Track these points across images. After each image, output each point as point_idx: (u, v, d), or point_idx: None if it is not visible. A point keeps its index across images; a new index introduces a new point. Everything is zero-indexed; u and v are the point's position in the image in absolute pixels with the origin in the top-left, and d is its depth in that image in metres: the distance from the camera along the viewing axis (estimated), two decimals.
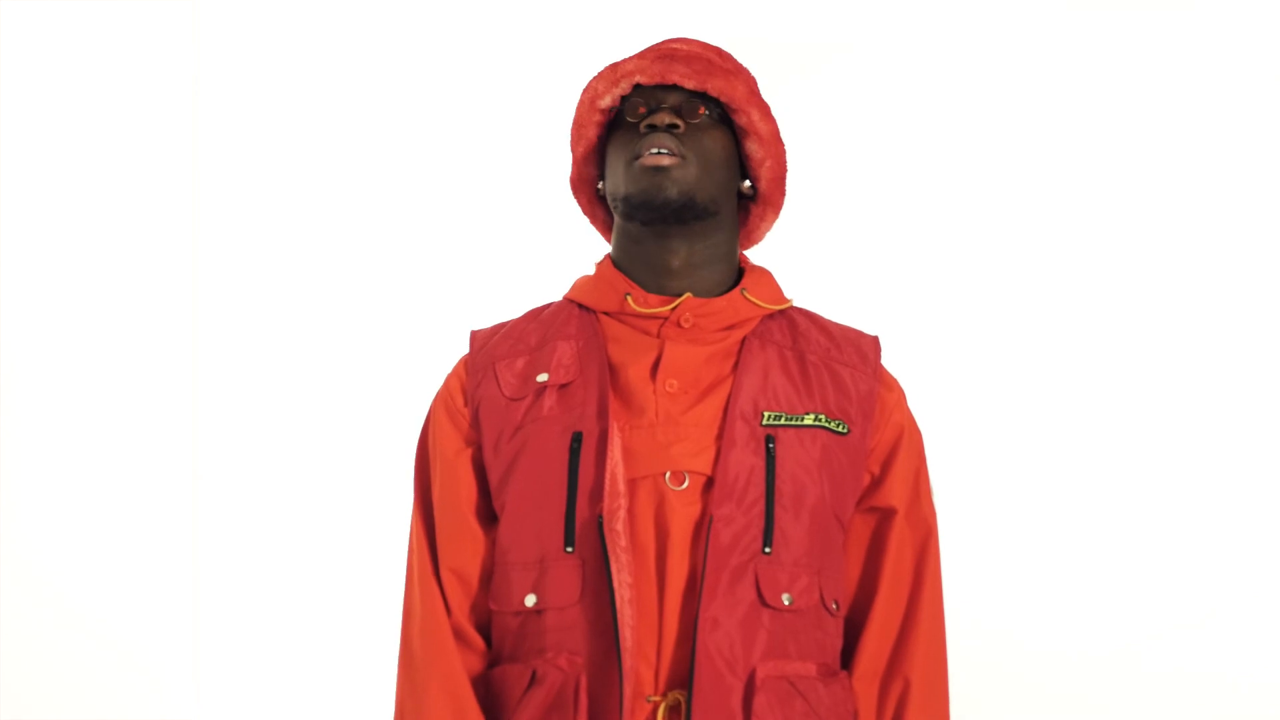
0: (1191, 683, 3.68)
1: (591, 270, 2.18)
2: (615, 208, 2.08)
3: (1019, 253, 3.74)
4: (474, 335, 2.17)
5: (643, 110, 2.05)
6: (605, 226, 2.21)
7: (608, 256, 2.15)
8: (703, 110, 2.05)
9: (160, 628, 3.71)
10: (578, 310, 2.13)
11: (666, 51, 2.08)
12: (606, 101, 2.07)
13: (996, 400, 3.73)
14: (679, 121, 2.03)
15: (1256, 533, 3.71)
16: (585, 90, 2.11)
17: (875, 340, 2.17)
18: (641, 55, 2.08)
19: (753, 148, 2.11)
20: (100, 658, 3.69)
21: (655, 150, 2.01)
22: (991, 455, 3.71)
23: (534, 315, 2.17)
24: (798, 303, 2.19)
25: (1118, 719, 3.68)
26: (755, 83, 2.15)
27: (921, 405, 3.68)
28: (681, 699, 1.95)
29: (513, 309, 2.22)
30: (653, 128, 2.02)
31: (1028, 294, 3.74)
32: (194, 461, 3.74)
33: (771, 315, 2.12)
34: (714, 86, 2.05)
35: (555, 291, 2.22)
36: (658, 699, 1.96)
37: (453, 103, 3.79)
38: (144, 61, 3.76)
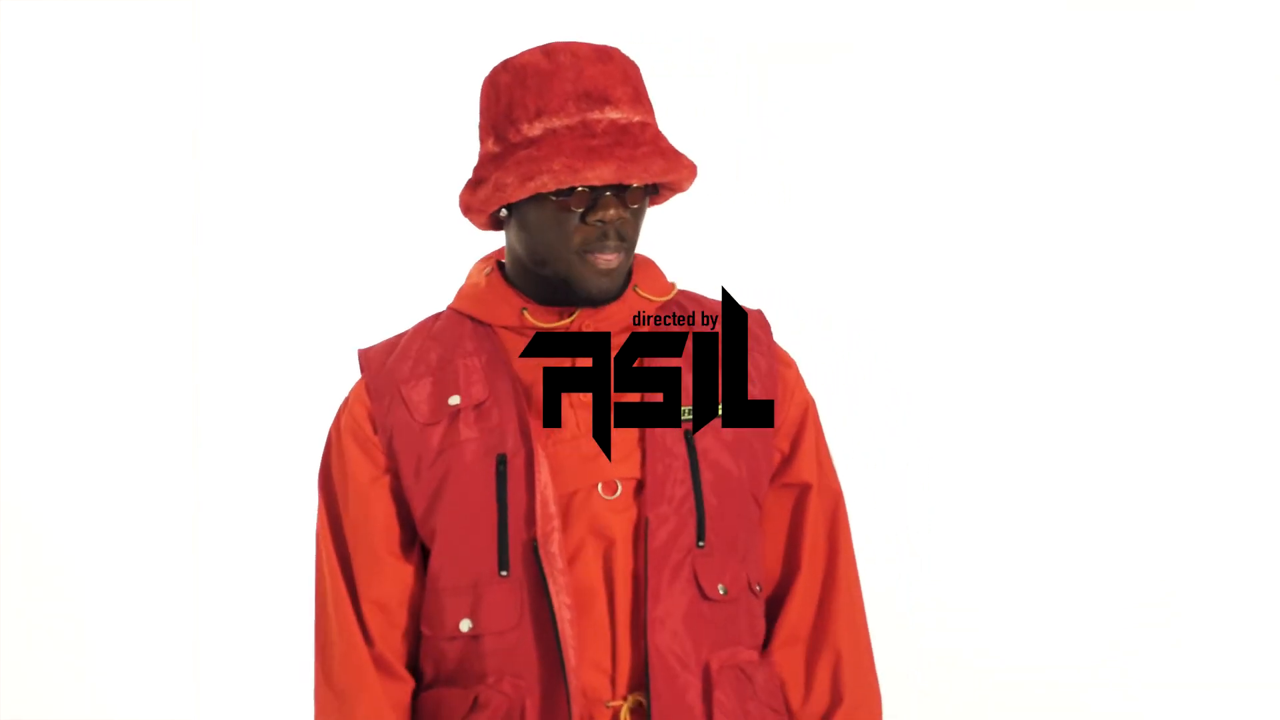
0: (1171, 690, 3.69)
1: (466, 275, 2.15)
2: (537, 266, 2.03)
3: (1018, 252, 3.74)
4: (364, 355, 2.13)
5: (586, 201, 1.98)
6: (485, 227, 2.12)
7: (496, 268, 2.11)
8: (641, 193, 2.01)
9: (160, 628, 3.70)
10: (470, 324, 2.09)
11: (618, 146, 1.96)
12: (553, 189, 1.96)
13: (998, 401, 3.73)
14: (625, 213, 1.99)
15: (1246, 531, 3.71)
16: (529, 174, 1.96)
17: (760, 314, 2.16)
18: (599, 156, 1.95)
19: (670, 194, 2.09)
20: (100, 658, 3.69)
21: (605, 250, 1.98)
22: (983, 456, 3.71)
23: (425, 329, 2.12)
24: (676, 282, 2.16)
25: None
26: (652, 106, 2.07)
27: (921, 406, 3.71)
28: (643, 700, 1.97)
29: (393, 323, 2.19)
30: (601, 223, 1.97)
31: (1027, 293, 3.74)
32: (194, 462, 3.74)
33: (662, 305, 2.11)
34: (669, 179, 2.01)
35: (428, 300, 2.19)
36: (618, 704, 1.97)
37: (451, 102, 3.78)
38: (144, 61, 3.77)
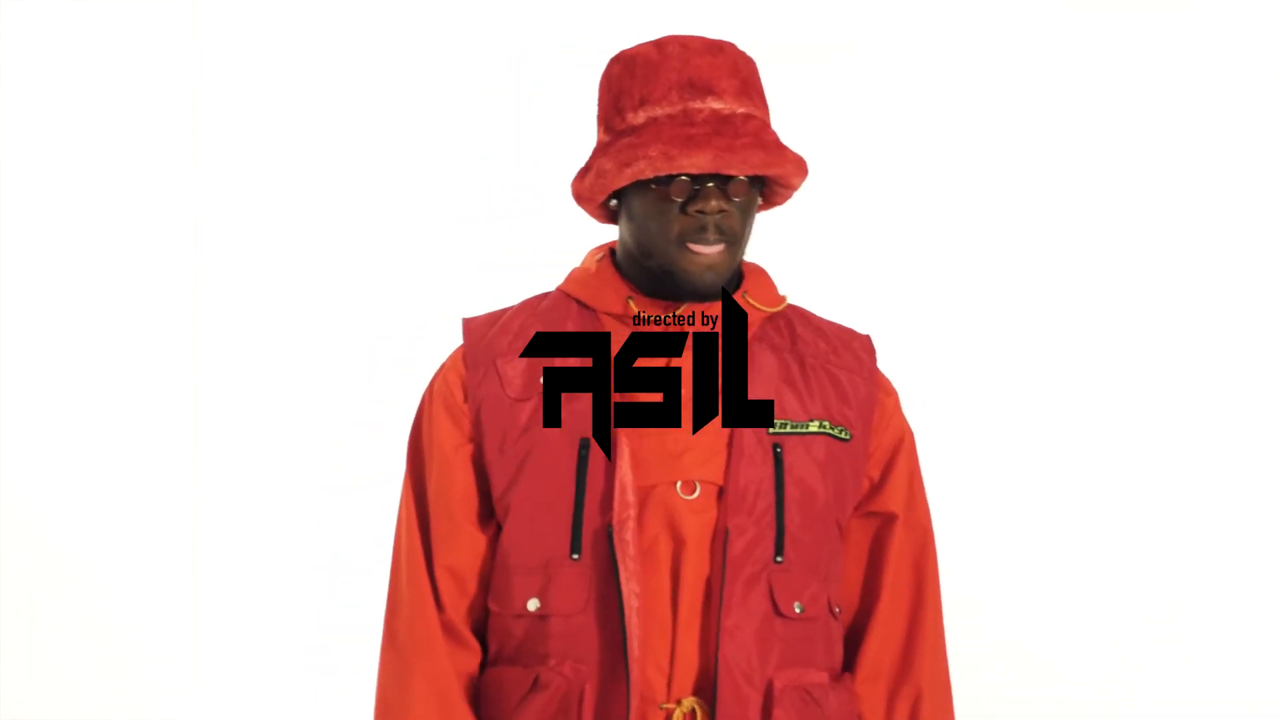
0: (1179, 705, 3.69)
1: (582, 260, 2.15)
2: (643, 258, 2.03)
3: (1017, 252, 3.73)
4: (468, 325, 2.13)
5: (687, 191, 1.97)
6: (600, 219, 2.14)
7: (608, 255, 2.11)
8: (745, 186, 1.99)
9: (160, 628, 3.70)
10: (576, 307, 2.09)
11: (716, 136, 1.96)
12: (649, 176, 1.97)
13: (1003, 411, 3.72)
14: (727, 206, 1.99)
15: (1255, 543, 3.71)
16: (627, 160, 1.98)
17: (868, 340, 2.17)
18: (696, 144, 1.95)
19: (780, 190, 2.08)
20: (100, 658, 3.68)
21: (705, 243, 1.97)
22: (984, 457, 3.70)
23: (530, 307, 2.13)
24: (791, 299, 2.17)
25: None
26: (764, 91, 2.08)
27: (920, 406, 3.70)
28: (697, 707, 1.96)
29: (508, 302, 2.19)
30: (701, 214, 1.98)
31: (1026, 293, 3.74)
32: (194, 461, 3.73)
33: (769, 317, 2.11)
34: (770, 173, 2.00)
35: (551, 285, 2.19)
36: (671, 706, 1.96)
37: (450, 100, 3.78)
38: (144, 62, 3.76)
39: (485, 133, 3.73)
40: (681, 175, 1.95)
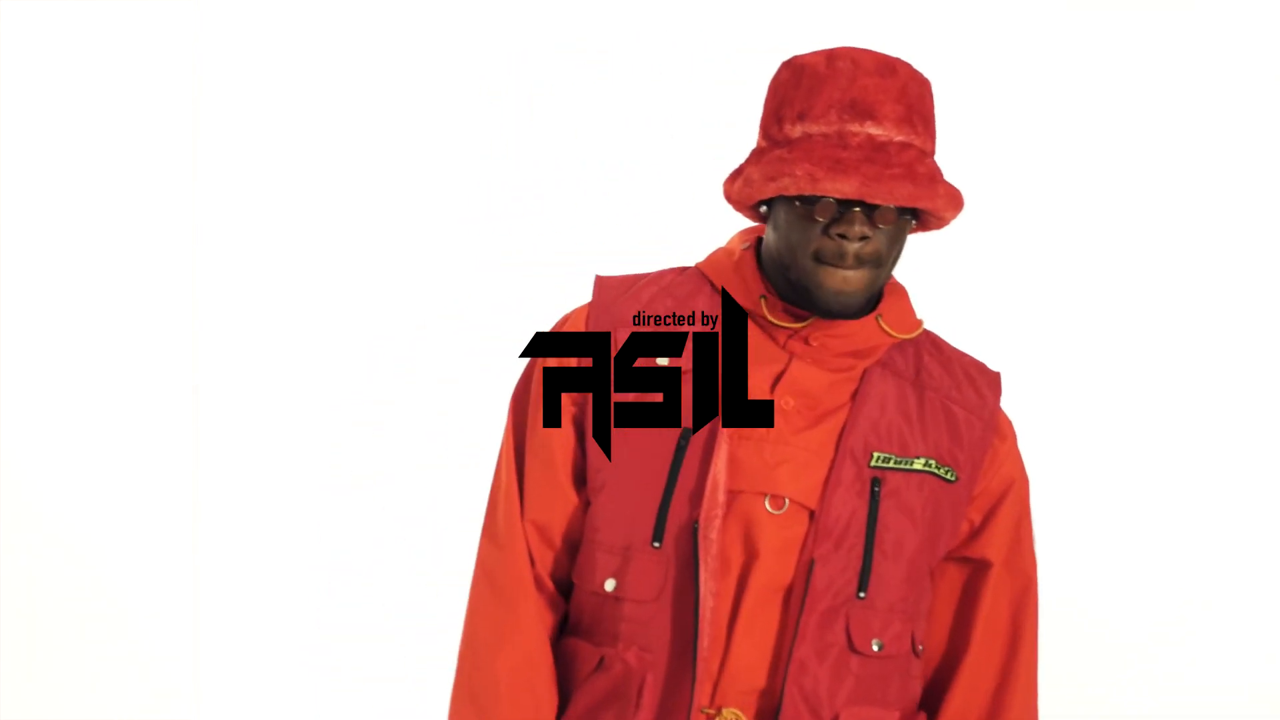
0: (1183, 689, 3.70)
1: (726, 241, 2.11)
2: (784, 269, 1.99)
3: (1015, 251, 3.74)
4: (600, 282, 2.08)
5: (832, 213, 1.93)
6: (752, 217, 2.10)
7: (754, 246, 2.07)
8: (893, 214, 1.94)
9: (160, 628, 3.70)
10: (709, 289, 2.06)
11: (867, 163, 1.91)
12: (793, 194, 1.93)
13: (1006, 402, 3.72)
14: (870, 233, 1.93)
15: (1256, 536, 3.72)
16: (773, 174, 1.94)
17: (996, 378, 2.11)
18: (843, 170, 1.90)
19: (933, 220, 2.03)
20: (100, 658, 3.69)
21: (843, 268, 1.93)
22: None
23: (665, 279, 2.08)
24: (928, 324, 2.12)
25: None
26: (934, 118, 2.02)
27: None
28: (739, 718, 1.94)
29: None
30: (842, 236, 1.92)
31: (1022, 293, 3.74)
32: (194, 461, 3.73)
33: (899, 343, 2.06)
34: (918, 205, 1.94)
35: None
36: (712, 711, 1.95)
37: (450, 100, 3.78)
38: (144, 62, 3.76)
39: (485, 133, 3.74)
40: (827, 198, 1.92)
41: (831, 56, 1.97)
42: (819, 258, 1.93)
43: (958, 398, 2.06)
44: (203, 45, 3.75)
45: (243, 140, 3.75)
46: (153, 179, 3.75)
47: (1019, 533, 2.08)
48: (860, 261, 1.93)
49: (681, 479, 1.96)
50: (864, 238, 1.92)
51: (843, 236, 1.92)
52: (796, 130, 1.94)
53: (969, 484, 2.04)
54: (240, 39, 3.75)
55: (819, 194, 1.90)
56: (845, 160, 1.90)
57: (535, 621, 2.02)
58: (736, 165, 2.03)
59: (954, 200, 1.96)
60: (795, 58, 2.00)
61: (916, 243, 3.66)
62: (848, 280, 1.94)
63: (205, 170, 3.75)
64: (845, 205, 1.92)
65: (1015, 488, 2.08)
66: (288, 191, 3.75)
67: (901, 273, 3.70)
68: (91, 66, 3.74)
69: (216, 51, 3.75)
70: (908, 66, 1.98)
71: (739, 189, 1.98)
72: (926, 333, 2.11)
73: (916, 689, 2.05)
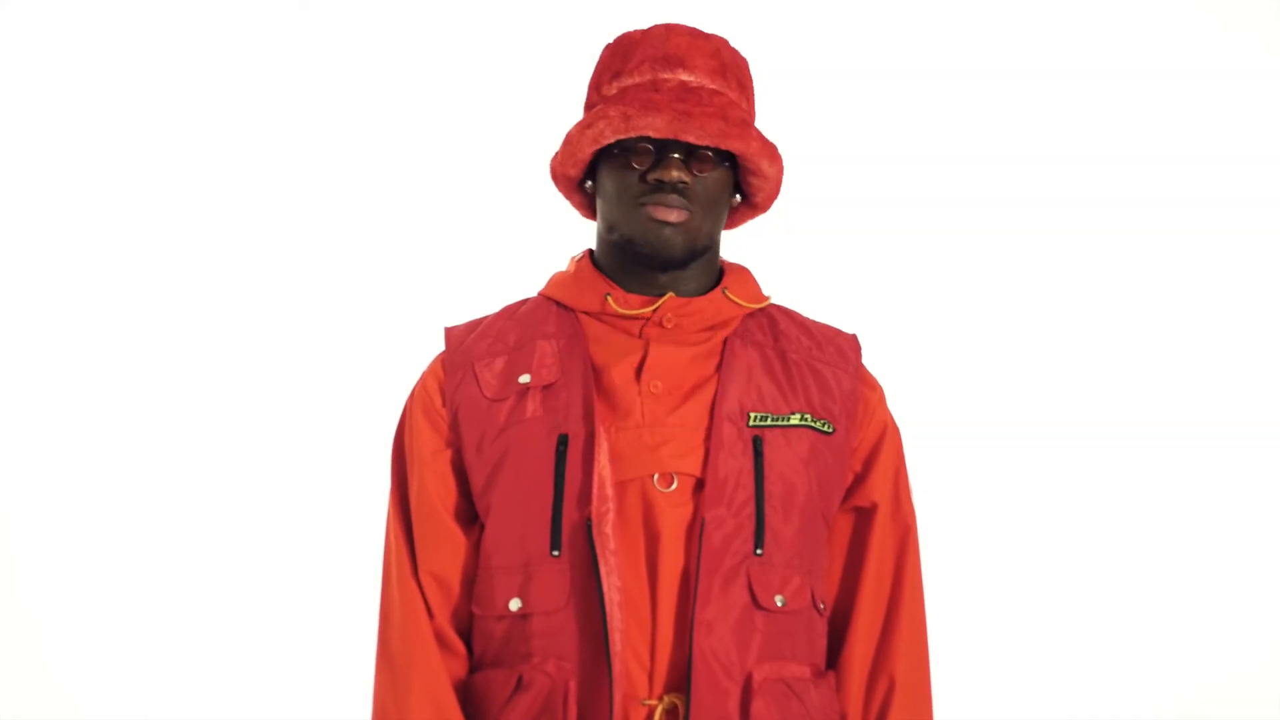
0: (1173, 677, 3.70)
1: (565, 265, 2.15)
2: (609, 234, 2.04)
3: (1009, 249, 3.75)
4: (449, 332, 2.14)
5: (649, 159, 1.98)
6: (582, 208, 2.16)
7: (587, 254, 2.12)
8: (710, 162, 1.99)
9: (160, 627, 3.71)
10: (556, 308, 2.10)
11: (678, 102, 1.97)
12: (609, 139, 1.98)
13: (997, 400, 3.73)
14: (687, 178, 1.98)
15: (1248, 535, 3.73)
16: (589, 122, 2.00)
17: (854, 339, 2.16)
18: (655, 107, 1.96)
19: (754, 180, 2.08)
20: (100, 658, 3.69)
21: (666, 204, 1.97)
22: (975, 454, 3.71)
23: (510, 312, 2.14)
24: (775, 299, 2.17)
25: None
26: (753, 92, 2.08)
27: (910, 406, 3.70)
28: (678, 702, 1.94)
29: (488, 307, 2.20)
30: (661, 183, 1.97)
31: (1017, 291, 3.75)
32: (195, 460, 3.74)
33: (752, 314, 2.11)
34: (730, 146, 1.99)
35: (528, 288, 2.20)
36: (653, 702, 1.95)
37: (421, 102, 3.79)
38: (144, 62, 3.77)
39: (484, 132, 3.74)
40: (644, 143, 1.96)
41: (649, 28, 2.04)
42: (640, 200, 1.97)
43: (820, 356, 2.10)
44: (203, 45, 3.77)
45: (244, 141, 3.78)
46: (155, 179, 3.77)
47: (898, 479, 2.13)
48: (681, 196, 1.97)
49: (568, 485, 1.98)
50: (682, 183, 1.96)
51: (661, 180, 1.96)
52: (613, 88, 2.01)
53: (847, 434, 2.08)
54: (239, 40, 3.76)
55: (632, 134, 1.94)
56: (656, 100, 1.95)
57: (439, 683, 2.02)
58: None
59: (767, 150, 2.01)
60: (617, 36, 2.07)
61: (909, 238, 3.69)
62: (667, 215, 1.97)
63: (204, 170, 3.77)
64: (662, 150, 1.96)
65: (890, 434, 2.13)
66: (288, 192, 3.77)
67: (904, 270, 3.65)
68: (89, 66, 3.75)
69: (217, 51, 3.77)
70: (725, 41, 2.05)
71: (560, 154, 2.03)
72: (777, 306, 2.15)
73: (822, 645, 2.07)
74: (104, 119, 3.76)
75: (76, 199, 3.77)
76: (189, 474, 3.73)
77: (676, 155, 1.97)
